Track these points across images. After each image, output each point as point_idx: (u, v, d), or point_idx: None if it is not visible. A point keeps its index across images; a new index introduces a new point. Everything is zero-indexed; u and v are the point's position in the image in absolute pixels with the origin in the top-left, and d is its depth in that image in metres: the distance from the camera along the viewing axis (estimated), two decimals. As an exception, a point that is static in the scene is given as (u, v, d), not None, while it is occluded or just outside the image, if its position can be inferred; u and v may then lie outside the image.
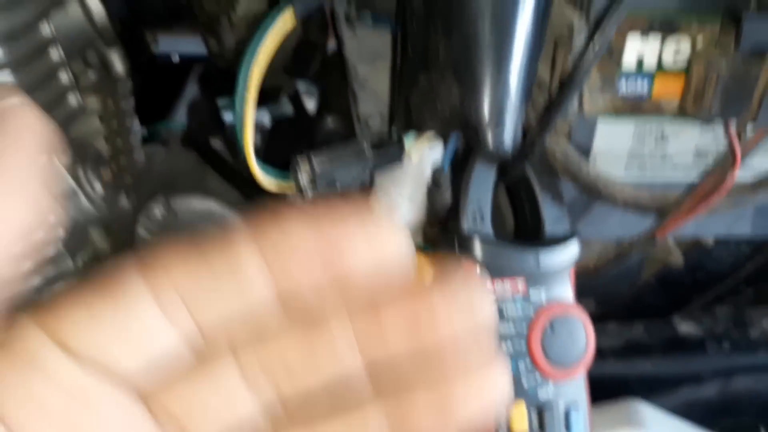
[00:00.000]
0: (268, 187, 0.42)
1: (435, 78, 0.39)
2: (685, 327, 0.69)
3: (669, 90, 0.46)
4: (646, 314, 0.69)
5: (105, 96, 0.65)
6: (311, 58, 0.64)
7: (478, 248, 0.43)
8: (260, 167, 0.41)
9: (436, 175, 0.44)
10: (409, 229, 0.47)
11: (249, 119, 0.39)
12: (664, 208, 0.44)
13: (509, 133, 0.39)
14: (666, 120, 0.46)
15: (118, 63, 0.67)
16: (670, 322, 0.70)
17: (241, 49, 0.67)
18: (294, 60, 0.66)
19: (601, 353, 0.46)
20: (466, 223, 0.44)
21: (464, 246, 0.44)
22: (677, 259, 0.48)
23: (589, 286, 0.54)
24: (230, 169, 0.65)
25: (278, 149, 0.67)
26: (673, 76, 0.45)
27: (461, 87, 0.38)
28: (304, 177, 0.41)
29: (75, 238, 0.60)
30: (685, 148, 0.47)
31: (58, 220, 0.57)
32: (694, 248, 0.56)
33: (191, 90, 1.65)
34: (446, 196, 0.44)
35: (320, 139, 0.61)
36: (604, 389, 0.48)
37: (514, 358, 0.43)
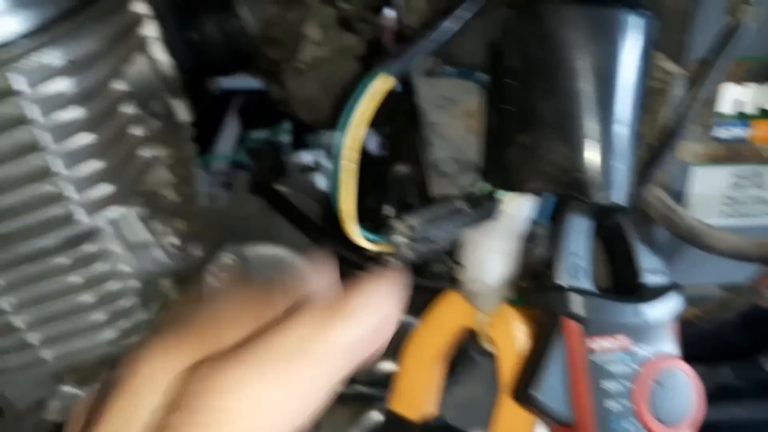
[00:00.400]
0: (364, 245, 0.41)
1: (536, 137, 0.38)
2: (776, 369, 0.67)
3: (768, 134, 0.45)
4: (730, 354, 0.67)
5: (171, 145, 0.65)
6: (380, 105, 0.63)
7: (577, 304, 0.42)
8: (361, 233, 0.41)
9: (532, 228, 0.43)
10: (501, 282, 0.47)
11: (348, 188, 0.39)
12: (768, 257, 0.43)
13: (621, 191, 0.38)
14: (765, 164, 0.45)
15: (182, 111, 0.67)
16: (758, 363, 0.68)
17: (305, 95, 0.67)
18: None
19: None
20: (563, 278, 0.43)
21: (561, 301, 0.43)
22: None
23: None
24: (299, 214, 0.65)
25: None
26: (773, 120, 0.44)
27: (566, 146, 0.37)
28: (400, 239, 0.40)
29: (148, 289, 0.60)
30: (785, 191, 0.46)
31: (133, 271, 0.57)
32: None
33: (231, 122, 1.66)
34: (541, 249, 0.43)
35: (392, 183, 0.61)
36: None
37: (620, 417, 0.42)
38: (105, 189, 0.52)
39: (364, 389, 0.55)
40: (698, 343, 0.52)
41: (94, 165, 0.52)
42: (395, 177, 0.59)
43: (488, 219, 0.42)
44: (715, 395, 0.67)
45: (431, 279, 0.57)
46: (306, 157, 1.08)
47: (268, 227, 0.66)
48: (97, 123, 0.52)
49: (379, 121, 0.68)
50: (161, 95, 0.65)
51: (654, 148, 0.41)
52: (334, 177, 0.39)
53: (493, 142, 0.43)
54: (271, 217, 0.66)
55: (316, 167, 0.91)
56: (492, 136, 0.43)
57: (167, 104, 0.66)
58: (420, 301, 0.54)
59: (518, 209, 0.43)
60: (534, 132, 0.38)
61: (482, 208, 0.42)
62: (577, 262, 0.43)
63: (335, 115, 0.71)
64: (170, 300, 0.65)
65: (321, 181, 0.79)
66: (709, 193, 0.46)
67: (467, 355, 0.54)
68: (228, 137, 1.55)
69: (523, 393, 0.42)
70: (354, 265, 0.64)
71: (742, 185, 0.46)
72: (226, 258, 0.63)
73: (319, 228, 0.63)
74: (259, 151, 0.73)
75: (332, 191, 0.39)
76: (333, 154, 0.38)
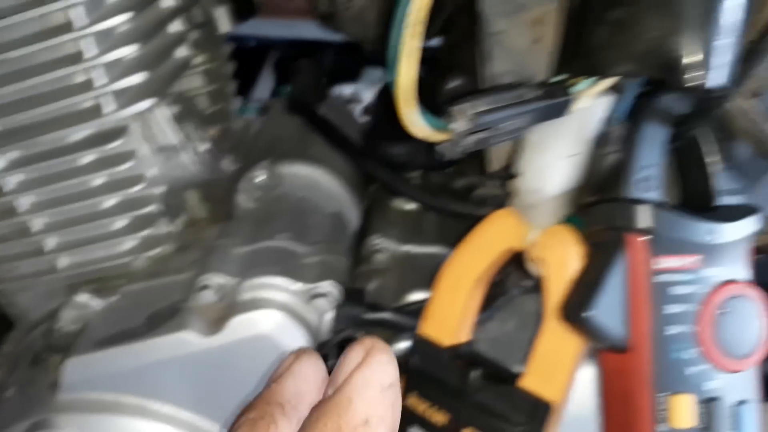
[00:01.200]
0: (417, 133, 0.37)
1: (631, 11, 0.34)
2: None
3: None
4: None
5: (208, 53, 0.62)
6: (435, 15, 0.59)
7: (646, 216, 0.38)
8: (420, 117, 0.37)
9: (607, 129, 0.39)
10: (561, 193, 0.42)
11: (409, 63, 0.34)
12: None
13: (720, 76, 0.33)
14: None
15: (223, 21, 0.64)
16: None
17: (354, 7, 0.63)
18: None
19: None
20: (632, 189, 0.39)
21: (628, 214, 0.38)
22: None
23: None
24: (339, 135, 0.61)
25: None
26: None
27: (665, 19, 0.33)
28: (462, 125, 0.36)
29: (173, 199, 0.57)
30: None
31: (159, 175, 0.54)
32: None
33: (267, 75, 1.64)
34: (614, 155, 0.39)
35: (443, 100, 0.56)
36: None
37: (680, 345, 0.38)
38: (136, 79, 0.49)
39: (392, 317, 0.51)
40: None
41: (126, 51, 0.48)
42: (447, 93, 0.55)
43: (558, 115, 0.38)
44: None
45: (476, 205, 0.53)
46: (346, 89, 1.04)
47: (305, 148, 0.62)
48: (133, 7, 0.49)
49: (433, 32, 0.64)
50: (203, 2, 0.62)
51: (750, 47, 0.36)
52: (393, 51, 0.35)
53: (576, 25, 0.38)
54: (307, 138, 0.63)
55: (355, 99, 0.87)
56: (574, 18, 0.39)
57: (208, 12, 0.63)
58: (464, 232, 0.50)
59: (591, 107, 0.39)
60: (629, 5, 0.34)
61: (553, 99, 0.37)
62: (648, 173, 0.39)
63: (383, 31, 0.67)
64: (197, 217, 0.62)
65: (358, 113, 0.76)
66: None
67: (505, 290, 0.50)
68: (263, 90, 1.53)
69: (575, 312, 0.38)
70: (392, 188, 0.60)
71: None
72: (259, 175, 0.60)
73: (359, 148, 0.60)
74: (299, 69, 0.68)
75: (390, 68, 0.35)
76: (395, 26, 0.34)
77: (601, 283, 0.38)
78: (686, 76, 0.33)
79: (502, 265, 0.48)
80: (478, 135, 0.36)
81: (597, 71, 0.36)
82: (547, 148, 0.40)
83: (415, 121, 0.37)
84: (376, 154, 0.58)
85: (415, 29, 0.34)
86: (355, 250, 0.62)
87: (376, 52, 0.69)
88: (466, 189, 0.54)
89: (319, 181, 0.60)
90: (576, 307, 0.38)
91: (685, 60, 0.33)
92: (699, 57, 0.33)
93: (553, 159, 0.41)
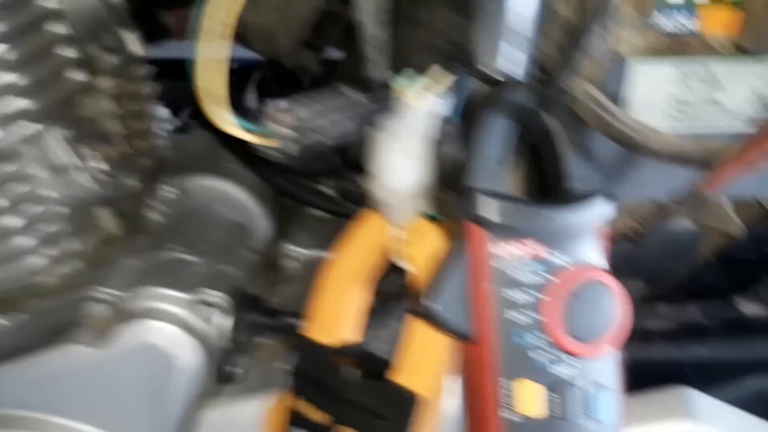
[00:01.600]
0: (233, 132, 0.38)
1: (428, 9, 0.34)
2: (751, 308, 0.60)
3: (720, 24, 0.39)
4: (704, 296, 0.61)
5: (120, 78, 0.63)
6: (332, 29, 0.60)
7: (487, 206, 0.38)
8: (237, 122, 0.37)
9: (442, 125, 0.39)
10: (412, 190, 0.42)
11: (202, 61, 0.35)
12: (712, 160, 0.37)
13: (513, 61, 0.33)
14: (717, 60, 0.39)
15: (134, 45, 0.65)
16: (730, 302, 0.61)
17: (261, 25, 0.64)
18: (315, 33, 0.62)
19: (648, 336, 0.39)
20: (474, 180, 0.38)
21: (470, 204, 0.38)
22: (736, 228, 0.41)
23: (637, 265, 0.47)
24: (247, 150, 0.61)
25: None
26: (726, 7, 0.39)
27: (460, 14, 0.33)
28: (283, 130, 0.36)
29: (80, 218, 0.57)
30: (741, 92, 0.40)
31: (58, 196, 0.54)
32: (759, 219, 0.48)
33: (251, 97, 1.66)
34: (454, 150, 0.39)
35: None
36: (654, 376, 0.41)
37: (525, 330, 0.37)
38: (19, 105, 0.50)
39: (291, 322, 0.51)
40: (667, 283, 0.47)
41: (6, 79, 0.49)
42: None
43: (386, 111, 0.38)
44: (677, 334, 0.60)
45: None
46: (282, 103, 1.04)
47: (215, 162, 0.63)
48: (13, 35, 0.50)
49: (326, 43, 0.64)
50: (111, 28, 0.63)
51: (574, 29, 0.36)
52: (195, 50, 0.35)
53: (392, 26, 0.39)
54: (219, 153, 0.63)
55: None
56: (391, 20, 0.39)
57: (118, 37, 0.64)
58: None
59: (422, 104, 0.39)
60: (429, 4, 0.34)
61: (378, 101, 0.38)
62: (491, 164, 0.39)
63: (296, 49, 0.68)
64: (111, 233, 0.63)
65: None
66: (653, 95, 0.40)
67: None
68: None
69: (419, 304, 0.38)
70: (300, 199, 0.60)
71: (691, 86, 0.40)
72: (168, 191, 0.60)
73: (263, 161, 0.60)
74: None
75: (190, 73, 0.36)
76: (195, 25, 0.35)
77: (441, 274, 0.38)
78: (480, 65, 0.33)
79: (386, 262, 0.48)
80: (301, 138, 0.36)
81: (400, 65, 0.36)
82: (389, 148, 0.40)
83: (224, 120, 0.37)
84: (276, 163, 0.58)
85: (210, 37, 0.35)
86: (269, 258, 0.63)
87: (294, 68, 0.70)
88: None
89: (226, 193, 0.61)
90: (420, 299, 0.38)
91: (478, 50, 0.33)
92: (491, 46, 0.33)
93: (394, 157, 0.41)
